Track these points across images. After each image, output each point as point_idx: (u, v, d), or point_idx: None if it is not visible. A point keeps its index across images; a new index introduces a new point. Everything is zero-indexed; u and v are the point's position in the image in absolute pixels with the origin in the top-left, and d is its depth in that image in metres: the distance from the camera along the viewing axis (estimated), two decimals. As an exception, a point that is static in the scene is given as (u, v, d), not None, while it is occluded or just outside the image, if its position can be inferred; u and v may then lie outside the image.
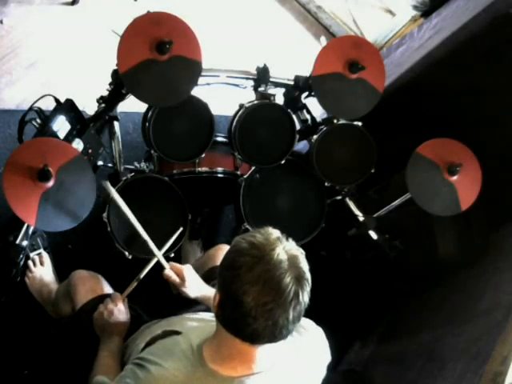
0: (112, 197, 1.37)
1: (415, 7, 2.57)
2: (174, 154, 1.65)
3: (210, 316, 1.20)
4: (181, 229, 1.54)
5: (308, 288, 0.88)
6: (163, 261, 1.34)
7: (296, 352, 1.03)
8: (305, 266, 0.89)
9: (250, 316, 0.84)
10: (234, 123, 1.68)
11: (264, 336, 0.87)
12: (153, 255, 1.35)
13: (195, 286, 1.32)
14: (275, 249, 0.86)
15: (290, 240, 0.92)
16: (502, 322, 1.32)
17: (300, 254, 0.90)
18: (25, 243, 1.55)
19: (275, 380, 0.97)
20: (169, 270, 1.32)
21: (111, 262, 1.58)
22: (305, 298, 0.87)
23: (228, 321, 0.90)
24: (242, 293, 0.84)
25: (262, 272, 0.84)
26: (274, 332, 0.86)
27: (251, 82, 1.76)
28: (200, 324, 1.12)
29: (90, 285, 1.45)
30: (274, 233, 0.91)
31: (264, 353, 0.93)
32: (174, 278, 1.31)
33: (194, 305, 1.38)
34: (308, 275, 0.88)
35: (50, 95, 1.39)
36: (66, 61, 2.20)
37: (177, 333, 1.05)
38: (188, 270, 1.32)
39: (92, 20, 2.34)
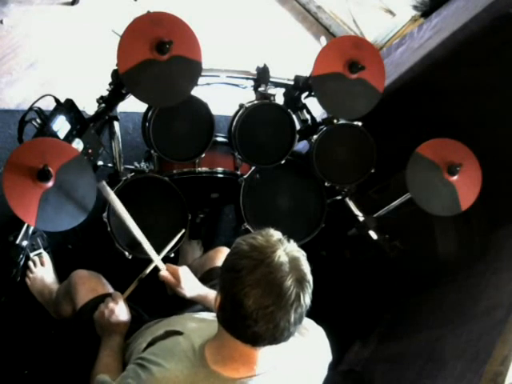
0: (109, 200, 1.36)
1: (415, 7, 2.57)
2: (174, 154, 1.65)
3: (211, 316, 1.21)
4: (182, 231, 1.54)
5: (309, 290, 0.87)
6: (160, 263, 1.35)
7: (297, 352, 1.03)
8: (306, 267, 0.89)
9: (250, 319, 0.84)
10: (234, 123, 1.68)
11: (265, 338, 0.87)
12: (151, 257, 1.35)
13: (190, 287, 1.32)
14: (276, 251, 0.86)
15: (292, 241, 0.92)
16: (501, 322, 1.33)
17: (301, 255, 0.90)
18: (25, 243, 1.55)
19: (277, 381, 0.97)
20: (164, 271, 1.32)
21: (111, 262, 1.58)
22: (306, 300, 0.86)
23: (229, 323, 0.90)
24: (243, 295, 0.84)
25: (262, 275, 0.84)
26: (275, 334, 0.86)
27: (251, 82, 1.76)
28: (201, 324, 1.12)
29: (91, 284, 1.45)
30: (275, 234, 0.90)
31: (266, 354, 0.93)
32: (170, 278, 1.31)
33: (193, 304, 1.38)
34: (309, 277, 0.88)
35: (49, 95, 1.39)
36: (65, 61, 2.20)
37: (178, 333, 1.05)
38: (183, 271, 1.32)
39: (92, 20, 2.34)
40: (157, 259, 1.35)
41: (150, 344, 1.06)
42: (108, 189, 1.36)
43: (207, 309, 1.32)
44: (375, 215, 1.77)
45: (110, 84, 1.53)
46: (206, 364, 0.94)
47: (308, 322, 1.12)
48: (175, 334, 1.05)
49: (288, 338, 0.89)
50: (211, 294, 1.31)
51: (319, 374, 1.09)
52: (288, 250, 0.88)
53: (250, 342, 0.89)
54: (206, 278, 1.51)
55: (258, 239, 0.88)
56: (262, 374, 0.94)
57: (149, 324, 1.29)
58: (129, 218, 1.36)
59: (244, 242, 0.89)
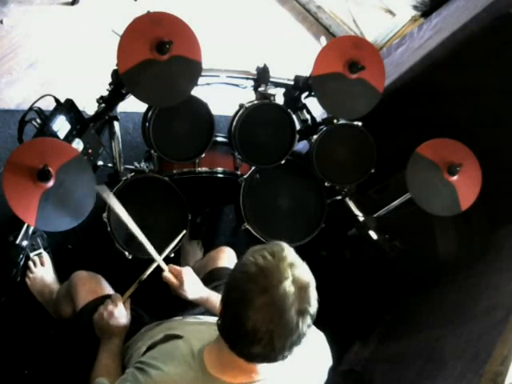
0: (109, 204, 1.35)
1: (415, 7, 2.57)
2: (174, 154, 1.65)
3: (211, 320, 1.20)
4: (183, 232, 1.54)
5: (310, 320, 0.87)
6: (162, 264, 1.34)
7: (297, 358, 1.02)
8: (312, 299, 0.87)
9: (248, 339, 0.84)
10: (234, 123, 1.68)
11: (260, 358, 0.88)
12: (153, 258, 1.35)
13: (193, 289, 1.31)
14: (283, 282, 0.84)
15: (304, 265, 0.89)
16: (502, 322, 1.33)
17: (311, 283, 0.88)
18: (25, 243, 1.55)
19: None
20: (167, 273, 1.32)
21: (111, 262, 1.58)
22: (304, 328, 0.86)
23: (227, 335, 0.90)
24: (244, 316, 0.83)
25: (266, 303, 0.83)
26: (270, 356, 0.87)
27: (251, 82, 1.76)
28: (201, 328, 1.12)
29: (91, 286, 1.45)
30: (288, 257, 0.87)
31: (264, 363, 0.92)
32: (173, 280, 1.30)
33: (194, 306, 1.38)
34: (312, 309, 0.87)
35: (49, 95, 1.39)
36: (65, 61, 2.20)
37: (178, 337, 1.05)
38: (186, 273, 1.31)
39: (92, 20, 2.34)
40: (159, 260, 1.35)
41: (150, 348, 1.06)
42: (108, 192, 1.34)
43: (208, 311, 1.31)
44: (375, 215, 1.77)
45: (110, 84, 1.53)
46: (204, 368, 0.94)
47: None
48: (175, 337, 1.05)
49: (285, 359, 0.89)
50: (213, 297, 1.31)
51: (319, 379, 1.09)
52: (297, 276, 0.85)
53: (244, 358, 0.89)
54: (208, 278, 1.50)
55: (268, 260, 0.86)
56: (261, 380, 0.94)
57: (148, 327, 1.29)
58: (130, 219, 1.35)
59: (253, 258, 0.87)
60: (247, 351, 0.86)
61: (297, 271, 0.86)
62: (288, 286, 0.84)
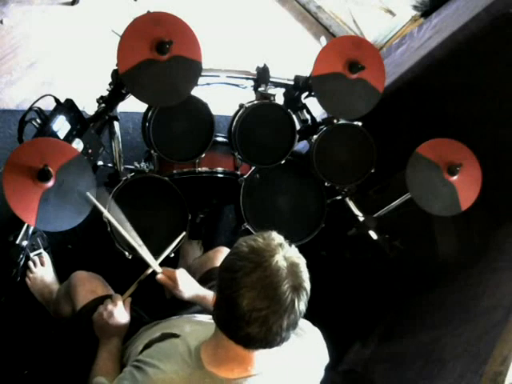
0: (103, 213, 1.34)
1: (415, 7, 2.57)
2: (174, 154, 1.65)
3: (208, 318, 1.21)
4: (182, 234, 1.55)
5: (305, 297, 0.87)
6: (156, 267, 1.35)
7: (294, 353, 1.03)
8: (305, 275, 0.88)
9: (243, 320, 0.84)
10: (234, 123, 1.68)
11: (256, 341, 0.87)
12: (147, 262, 1.35)
13: (188, 288, 1.32)
14: (274, 255, 0.86)
15: (293, 246, 0.91)
16: (501, 322, 1.32)
17: (301, 262, 0.89)
18: (25, 243, 1.55)
19: (273, 382, 0.97)
20: (161, 275, 1.33)
21: (111, 262, 1.58)
22: (301, 307, 0.86)
23: (223, 322, 0.91)
24: (238, 296, 0.84)
25: (258, 278, 0.84)
26: (267, 338, 0.86)
27: (251, 82, 1.76)
28: (198, 327, 1.13)
29: (90, 286, 1.45)
30: (277, 238, 0.90)
31: (261, 355, 0.93)
32: (167, 281, 1.32)
33: (191, 306, 1.38)
34: (307, 284, 0.88)
35: (50, 95, 1.39)
36: (65, 61, 2.20)
37: (175, 335, 1.05)
38: (180, 274, 1.32)
39: (92, 20, 2.34)
40: (153, 264, 1.35)
41: (147, 346, 1.07)
42: (94, 200, 1.31)
43: (206, 310, 1.31)
44: (375, 215, 1.77)
45: (110, 84, 1.53)
46: (201, 365, 0.95)
47: (305, 324, 1.12)
48: (172, 336, 1.06)
49: (281, 343, 0.89)
50: (209, 295, 1.31)
51: (316, 376, 1.09)
52: (288, 255, 0.87)
53: (242, 343, 0.89)
54: (205, 278, 1.51)
55: (259, 241, 0.88)
56: (257, 374, 0.94)
57: (147, 326, 1.30)
58: (122, 225, 1.36)
59: (245, 243, 0.89)
60: (243, 334, 0.86)
61: (287, 250, 0.89)
62: (280, 260, 0.86)
